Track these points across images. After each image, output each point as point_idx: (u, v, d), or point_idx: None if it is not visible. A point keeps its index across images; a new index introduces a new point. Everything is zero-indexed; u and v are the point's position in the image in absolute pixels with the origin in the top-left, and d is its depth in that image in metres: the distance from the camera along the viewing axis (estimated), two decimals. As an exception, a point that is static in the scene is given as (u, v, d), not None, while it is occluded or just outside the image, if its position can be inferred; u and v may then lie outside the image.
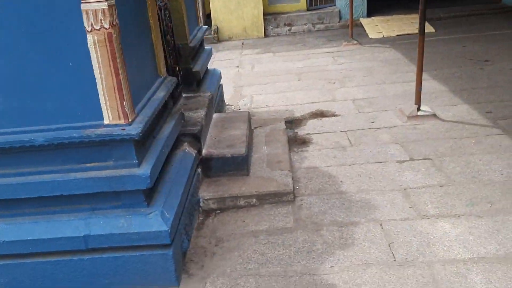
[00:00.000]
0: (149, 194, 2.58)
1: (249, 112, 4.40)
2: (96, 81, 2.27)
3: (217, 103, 4.67)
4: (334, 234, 2.92)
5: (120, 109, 2.33)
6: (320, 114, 4.92)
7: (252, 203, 3.32)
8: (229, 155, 3.52)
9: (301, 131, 4.54)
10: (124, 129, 2.34)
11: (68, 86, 2.30)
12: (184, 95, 4.14)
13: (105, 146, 2.40)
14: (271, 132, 4.29)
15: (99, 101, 2.31)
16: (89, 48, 2.21)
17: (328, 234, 2.92)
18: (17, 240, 2.50)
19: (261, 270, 2.67)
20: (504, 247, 2.65)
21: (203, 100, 4.05)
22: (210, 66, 5.69)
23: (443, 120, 4.42)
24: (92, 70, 2.25)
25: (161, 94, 2.91)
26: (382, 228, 2.92)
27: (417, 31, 4.36)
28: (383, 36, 8.18)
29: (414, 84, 4.52)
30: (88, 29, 2.17)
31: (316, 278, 2.56)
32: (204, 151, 3.57)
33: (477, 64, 6.02)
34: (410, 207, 3.11)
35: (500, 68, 5.78)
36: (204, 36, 4.93)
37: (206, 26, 5.24)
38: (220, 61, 7.72)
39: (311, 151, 4.09)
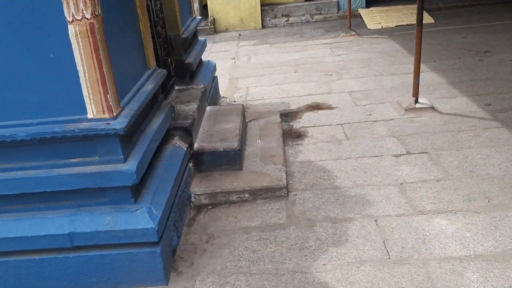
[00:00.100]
0: (136, 190, 2.51)
1: (243, 105, 4.31)
2: (79, 73, 2.19)
3: (211, 95, 4.58)
4: (327, 230, 2.85)
5: (104, 102, 2.24)
6: (316, 107, 4.84)
7: (244, 199, 3.24)
8: (222, 149, 3.44)
9: (297, 124, 4.45)
10: (108, 124, 2.26)
11: (50, 79, 2.22)
12: (176, 87, 4.05)
13: (90, 141, 2.33)
14: (266, 125, 4.20)
15: (82, 95, 2.23)
16: (70, 39, 2.12)
17: (322, 231, 2.85)
18: None
19: (252, 268, 2.60)
20: (502, 244, 2.58)
21: (195, 93, 3.96)
22: (206, 57, 5.60)
23: (441, 113, 4.33)
24: (75, 62, 2.17)
25: (150, 86, 2.82)
26: (377, 225, 2.85)
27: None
28: (382, 27, 8.06)
29: (412, 76, 4.43)
30: (69, 19, 2.08)
31: (308, 276, 2.49)
32: (195, 145, 3.49)
33: (477, 55, 5.91)
34: (406, 203, 3.04)
35: (500, 59, 5.68)
36: (201, 27, 4.84)
37: (200, 17, 5.14)
38: (217, 52, 7.61)
39: (306, 145, 4.01)
